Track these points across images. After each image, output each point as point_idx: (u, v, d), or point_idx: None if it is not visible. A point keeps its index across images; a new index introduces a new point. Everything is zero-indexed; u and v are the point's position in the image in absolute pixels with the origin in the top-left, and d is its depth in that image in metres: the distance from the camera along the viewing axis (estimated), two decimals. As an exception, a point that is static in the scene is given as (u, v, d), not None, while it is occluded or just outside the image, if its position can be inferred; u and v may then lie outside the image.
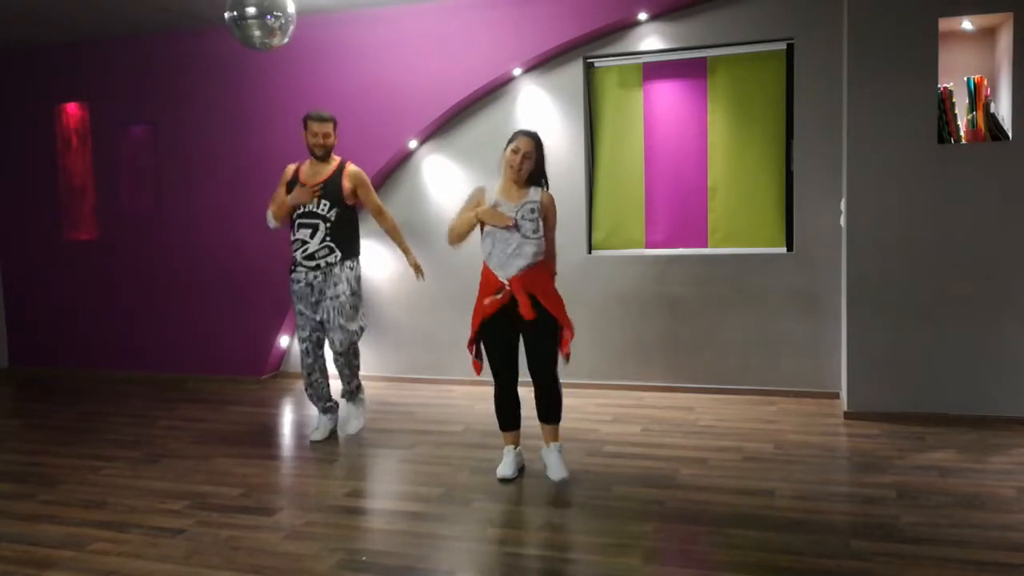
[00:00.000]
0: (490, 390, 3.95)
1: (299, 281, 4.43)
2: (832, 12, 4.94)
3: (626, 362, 5.56)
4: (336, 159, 4.49)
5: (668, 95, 5.47)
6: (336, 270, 4.39)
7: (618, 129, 5.57)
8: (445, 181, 5.82)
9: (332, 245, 4.39)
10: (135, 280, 6.52)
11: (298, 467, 4.30)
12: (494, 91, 5.68)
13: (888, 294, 4.60)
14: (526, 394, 3.83)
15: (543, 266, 3.73)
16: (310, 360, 4.51)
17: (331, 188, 4.38)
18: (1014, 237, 4.42)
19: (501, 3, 5.45)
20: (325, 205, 4.36)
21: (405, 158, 5.90)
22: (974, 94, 4.48)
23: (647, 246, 5.59)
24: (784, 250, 5.29)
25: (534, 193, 3.73)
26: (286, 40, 4.20)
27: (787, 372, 5.26)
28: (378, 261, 6.00)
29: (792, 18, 5.07)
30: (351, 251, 4.49)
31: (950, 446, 4.15)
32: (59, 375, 6.70)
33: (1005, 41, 4.47)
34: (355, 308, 4.46)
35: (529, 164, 3.69)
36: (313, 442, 4.60)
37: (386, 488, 4.02)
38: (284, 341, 6.28)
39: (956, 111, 4.54)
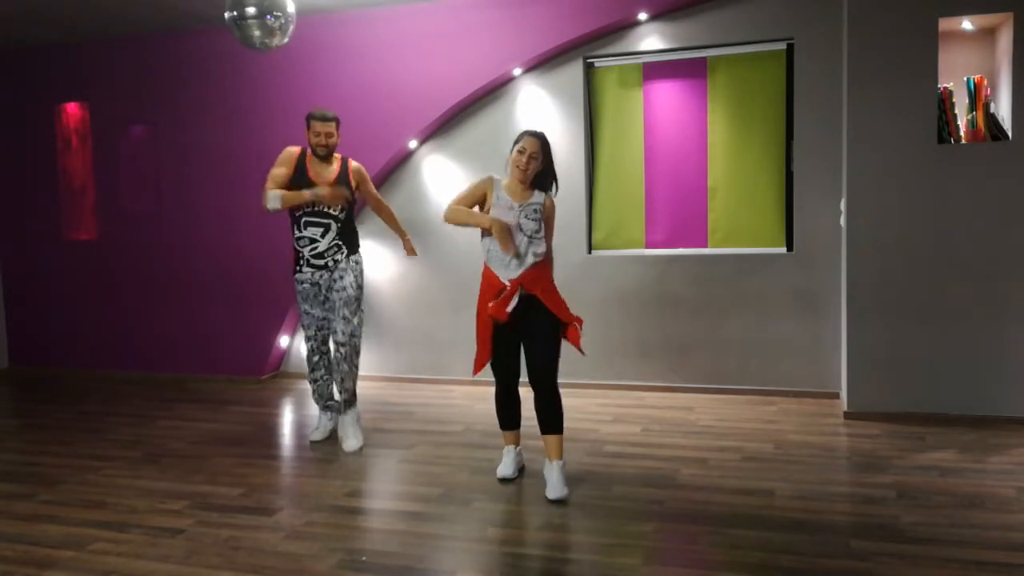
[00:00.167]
0: (490, 390, 3.95)
1: (305, 281, 4.43)
2: (832, 12, 4.95)
3: (626, 362, 5.56)
4: (338, 157, 4.48)
5: (668, 95, 5.47)
6: (343, 265, 4.41)
7: (618, 129, 5.57)
8: (445, 181, 5.82)
9: (340, 243, 4.41)
10: (135, 280, 6.52)
11: (298, 467, 4.29)
12: (494, 91, 5.68)
13: (888, 294, 4.60)
14: (527, 394, 3.82)
15: (544, 266, 3.73)
16: (316, 358, 4.55)
17: (344, 188, 4.40)
18: (1014, 237, 4.42)
19: (501, 3, 5.45)
20: (338, 205, 4.38)
21: (405, 158, 5.91)
22: (974, 94, 4.48)
23: (647, 246, 5.59)
24: (784, 250, 5.29)
25: (538, 196, 3.73)
26: (286, 40, 4.20)
27: (787, 372, 5.26)
28: (378, 261, 6.00)
29: (792, 18, 5.07)
30: (355, 246, 4.53)
31: (950, 446, 4.15)
32: (59, 375, 6.71)
33: (1005, 41, 4.47)
34: (358, 301, 4.48)
35: (535, 164, 3.67)
36: (313, 442, 4.60)
37: (386, 488, 4.02)
38: (284, 341, 6.28)
39: (956, 111, 4.54)
